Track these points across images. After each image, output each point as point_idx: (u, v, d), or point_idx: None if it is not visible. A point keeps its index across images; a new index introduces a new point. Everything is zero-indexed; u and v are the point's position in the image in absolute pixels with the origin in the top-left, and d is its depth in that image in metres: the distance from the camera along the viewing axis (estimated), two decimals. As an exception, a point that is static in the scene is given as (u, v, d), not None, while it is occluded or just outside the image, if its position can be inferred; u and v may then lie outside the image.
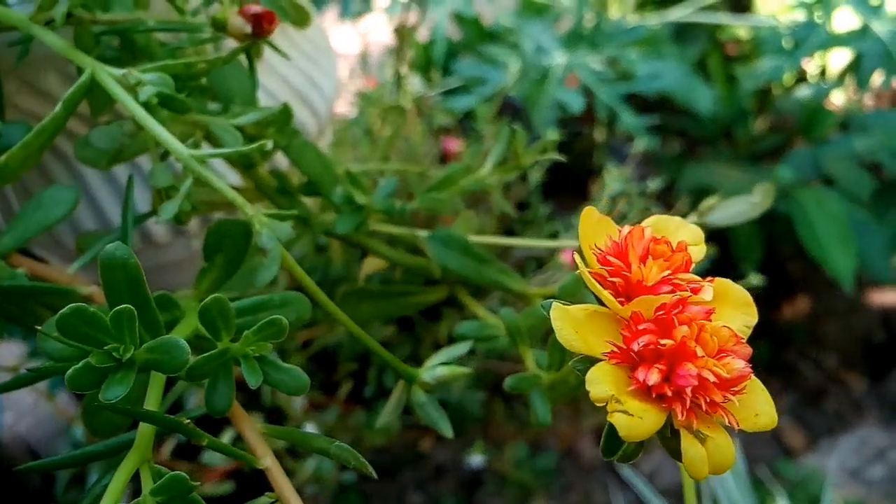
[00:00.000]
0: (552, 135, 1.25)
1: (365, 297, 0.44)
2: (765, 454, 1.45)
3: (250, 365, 0.26)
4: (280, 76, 0.56)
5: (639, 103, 1.72)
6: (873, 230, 1.51)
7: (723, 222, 0.41)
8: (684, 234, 0.24)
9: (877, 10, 1.36)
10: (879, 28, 1.36)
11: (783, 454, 1.46)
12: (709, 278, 0.22)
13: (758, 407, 0.21)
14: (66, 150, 0.50)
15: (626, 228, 0.23)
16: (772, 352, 1.66)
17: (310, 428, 0.92)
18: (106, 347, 0.23)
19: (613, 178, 1.12)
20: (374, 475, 0.26)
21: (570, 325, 0.21)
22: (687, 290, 0.21)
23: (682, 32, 1.79)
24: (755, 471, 1.30)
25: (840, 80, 1.68)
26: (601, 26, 1.50)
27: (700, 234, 0.24)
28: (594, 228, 0.23)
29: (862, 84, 1.36)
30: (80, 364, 0.23)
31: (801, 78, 1.78)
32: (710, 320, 0.21)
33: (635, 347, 0.20)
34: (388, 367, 1.03)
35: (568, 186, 1.66)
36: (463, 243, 0.43)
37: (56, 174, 0.51)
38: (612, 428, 0.23)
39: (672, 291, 0.21)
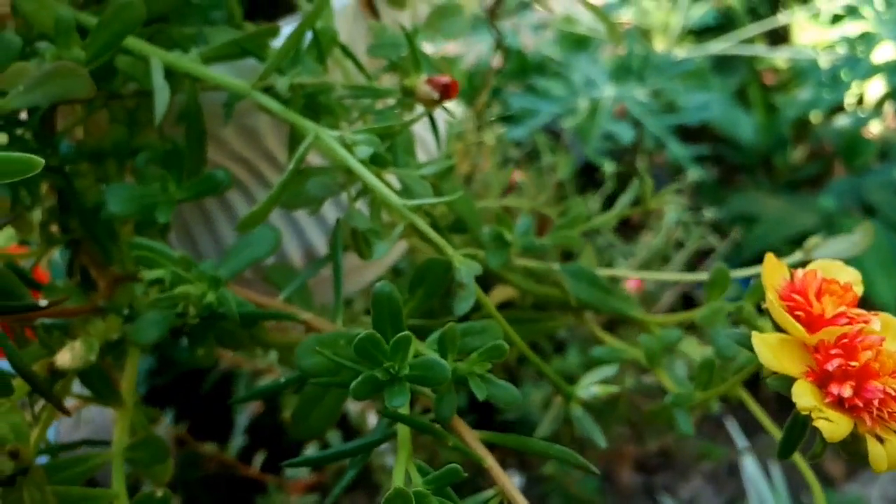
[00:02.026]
0: (609, 166, 1.30)
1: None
2: (806, 483, 1.47)
3: (475, 381, 0.32)
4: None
5: (678, 131, 1.76)
6: (914, 258, 1.54)
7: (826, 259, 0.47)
8: (845, 275, 0.30)
9: None
10: None
11: (824, 483, 1.48)
12: (873, 312, 0.28)
13: (918, 417, 0.27)
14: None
15: (801, 271, 0.29)
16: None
17: (384, 446, 0.96)
18: (385, 366, 0.29)
19: (672, 208, 1.17)
20: (597, 472, 0.31)
21: (768, 349, 0.26)
22: (861, 322, 0.27)
23: (722, 63, 1.83)
24: (801, 497, 1.33)
25: (878, 109, 1.72)
26: (650, 59, 1.54)
27: (858, 276, 0.30)
28: (772, 271, 0.29)
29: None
30: (362, 377, 0.29)
31: (839, 107, 1.81)
32: (883, 346, 0.26)
33: (829, 368, 0.26)
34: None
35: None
36: (591, 275, 0.48)
37: (211, 210, 0.57)
38: (792, 432, 0.28)
39: (848, 323, 0.27)
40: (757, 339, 0.27)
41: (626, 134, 1.38)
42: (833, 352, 0.26)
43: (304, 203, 0.40)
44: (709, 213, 1.20)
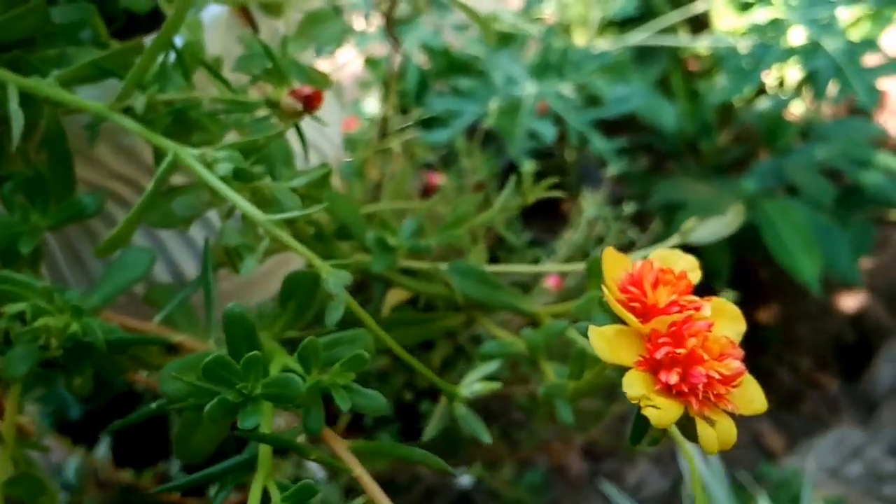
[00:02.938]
0: (528, 165, 1.32)
1: (394, 325, 0.49)
2: (747, 458, 1.51)
3: (339, 392, 0.32)
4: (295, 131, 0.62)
5: (605, 123, 1.78)
6: (838, 235, 1.57)
7: (701, 241, 0.48)
8: (683, 263, 0.31)
9: (826, 27, 1.43)
10: (830, 44, 1.41)
11: (764, 457, 1.52)
12: (706, 298, 0.29)
13: (751, 395, 0.28)
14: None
15: (639, 263, 0.29)
16: (748, 357, 1.72)
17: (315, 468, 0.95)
18: (237, 387, 0.29)
19: (589, 204, 1.18)
20: (453, 472, 0.31)
21: (604, 341, 0.27)
22: (691, 310, 0.28)
23: (644, 52, 1.86)
24: (737, 475, 1.36)
25: (798, 92, 1.76)
26: (568, 54, 1.55)
27: (695, 263, 0.31)
28: (613, 264, 0.30)
29: (818, 95, 1.44)
30: (216, 400, 0.29)
31: (761, 90, 1.85)
32: (711, 331, 0.27)
33: (658, 356, 0.26)
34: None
35: (541, 209, 1.72)
36: (479, 272, 0.49)
37: (99, 233, 0.56)
38: (638, 420, 0.29)
39: (680, 311, 0.28)
40: (593, 331, 0.27)
41: (547, 131, 1.39)
42: (661, 340, 0.27)
43: (174, 223, 0.39)
44: (628, 207, 1.22)
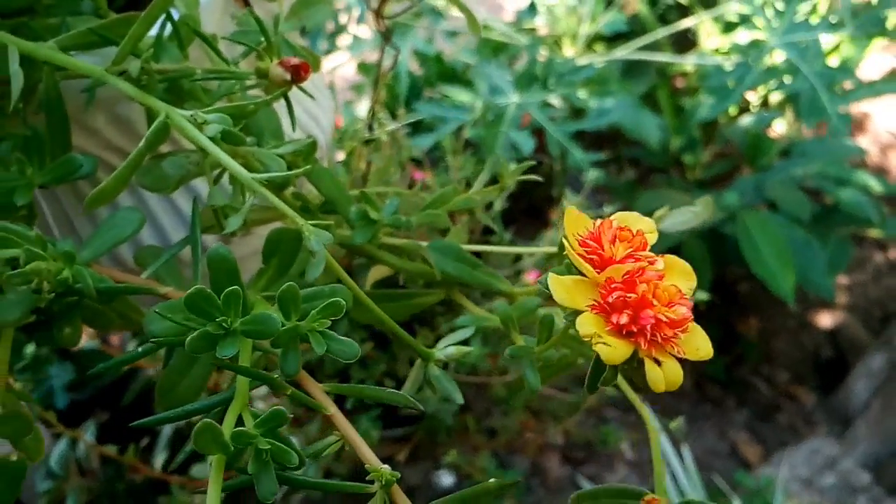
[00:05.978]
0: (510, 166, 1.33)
1: (375, 300, 0.51)
2: (723, 467, 1.53)
3: (316, 337, 0.34)
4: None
5: (593, 136, 1.80)
6: (814, 249, 1.60)
7: (671, 229, 0.50)
8: (641, 224, 0.33)
9: (805, 51, 1.46)
10: (807, 68, 1.44)
11: (741, 467, 1.54)
12: (660, 255, 0.31)
13: (698, 343, 0.30)
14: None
15: (599, 221, 0.32)
16: (727, 369, 1.76)
17: (294, 440, 0.97)
18: (217, 320, 0.31)
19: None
20: (422, 409, 0.33)
21: (562, 288, 0.29)
22: (645, 262, 0.30)
23: (632, 67, 1.89)
24: (714, 481, 1.38)
25: (780, 110, 1.78)
26: (552, 67, 1.57)
27: (652, 225, 0.33)
28: (574, 222, 0.32)
29: (799, 116, 1.46)
30: (198, 332, 0.31)
31: (745, 108, 1.88)
32: (662, 281, 0.29)
33: (610, 300, 0.29)
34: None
35: (528, 214, 1.76)
36: (457, 251, 0.51)
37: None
38: (595, 366, 0.31)
39: (634, 263, 0.30)
40: (553, 279, 0.29)
41: (526, 143, 1.40)
42: (614, 285, 0.29)
43: (165, 185, 0.41)
44: (608, 209, 1.25)
